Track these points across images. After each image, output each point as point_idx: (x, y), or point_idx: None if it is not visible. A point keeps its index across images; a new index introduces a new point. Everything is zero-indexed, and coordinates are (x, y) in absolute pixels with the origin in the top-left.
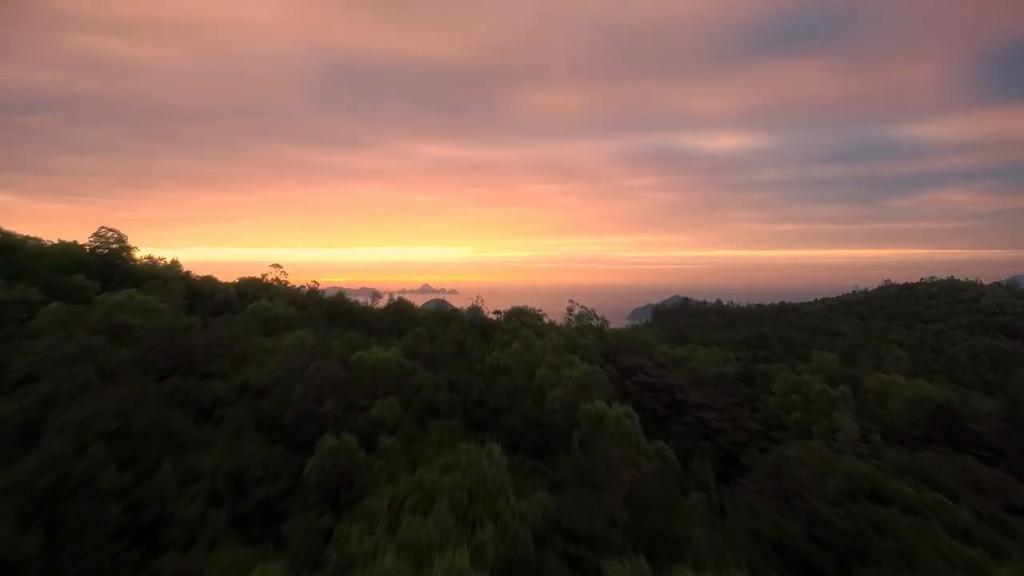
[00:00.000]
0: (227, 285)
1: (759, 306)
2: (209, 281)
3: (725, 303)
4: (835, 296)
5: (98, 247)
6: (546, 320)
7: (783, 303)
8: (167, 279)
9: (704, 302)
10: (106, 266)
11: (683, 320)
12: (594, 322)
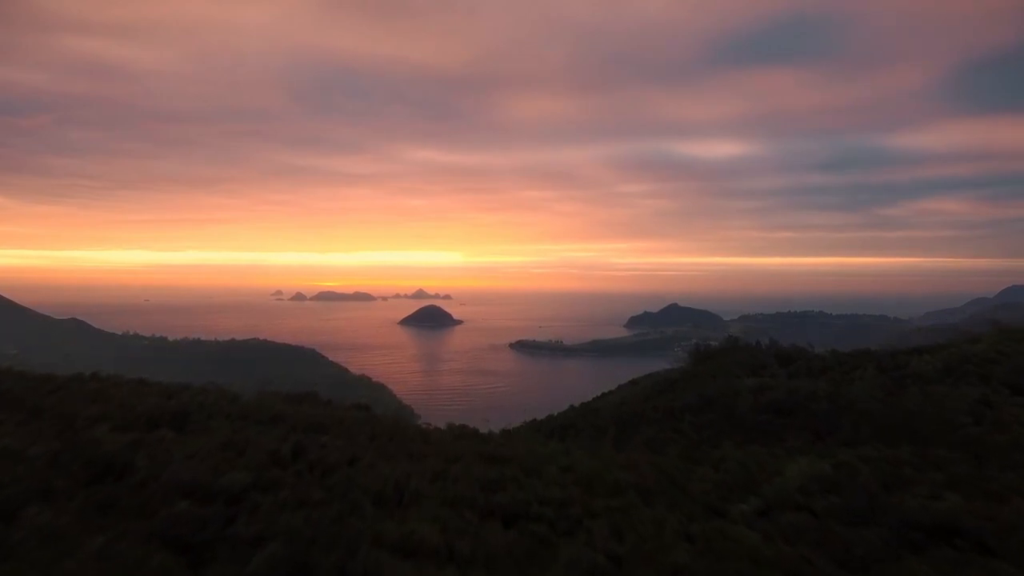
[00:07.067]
0: None
1: (835, 353)
2: None
3: (787, 346)
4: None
5: None
6: None
7: (867, 351)
8: None
9: (758, 343)
10: None
11: (749, 379)
12: None
